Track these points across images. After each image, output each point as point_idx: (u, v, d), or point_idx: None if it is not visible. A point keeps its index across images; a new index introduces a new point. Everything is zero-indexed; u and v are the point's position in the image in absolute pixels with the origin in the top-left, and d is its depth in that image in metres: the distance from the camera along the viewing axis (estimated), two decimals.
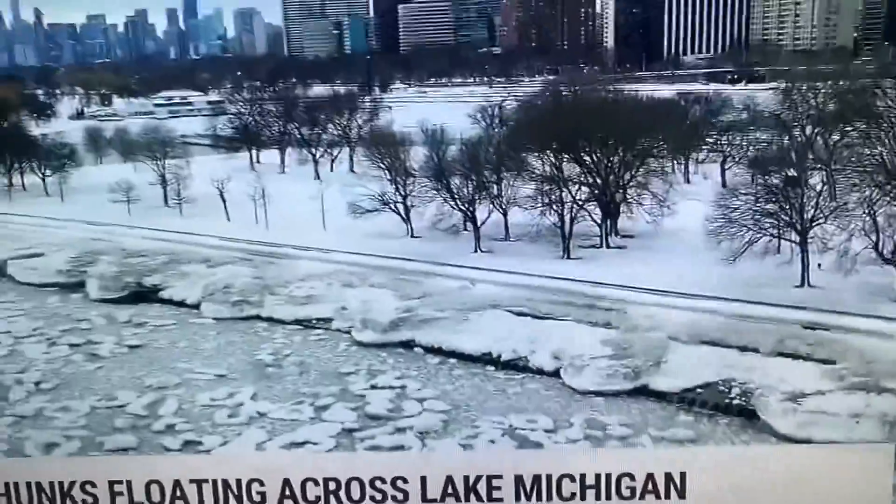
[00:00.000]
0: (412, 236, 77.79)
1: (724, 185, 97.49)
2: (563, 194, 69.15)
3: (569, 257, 68.89)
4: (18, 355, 57.36)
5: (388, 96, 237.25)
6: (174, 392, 50.04)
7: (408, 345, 55.76)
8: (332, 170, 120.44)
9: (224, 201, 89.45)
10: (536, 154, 77.77)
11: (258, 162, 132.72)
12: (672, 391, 47.77)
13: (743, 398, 45.95)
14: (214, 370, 53.38)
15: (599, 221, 71.56)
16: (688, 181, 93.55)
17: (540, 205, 70.50)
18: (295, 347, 57.04)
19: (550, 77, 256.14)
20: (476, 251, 71.68)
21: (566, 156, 73.08)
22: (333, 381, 51.14)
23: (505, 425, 44.66)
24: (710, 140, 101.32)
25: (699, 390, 47.38)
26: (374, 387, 49.98)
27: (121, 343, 58.93)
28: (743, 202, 61.70)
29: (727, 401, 46.21)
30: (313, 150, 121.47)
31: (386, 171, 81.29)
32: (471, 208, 72.54)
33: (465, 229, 75.61)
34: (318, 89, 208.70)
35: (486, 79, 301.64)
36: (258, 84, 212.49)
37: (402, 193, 78.03)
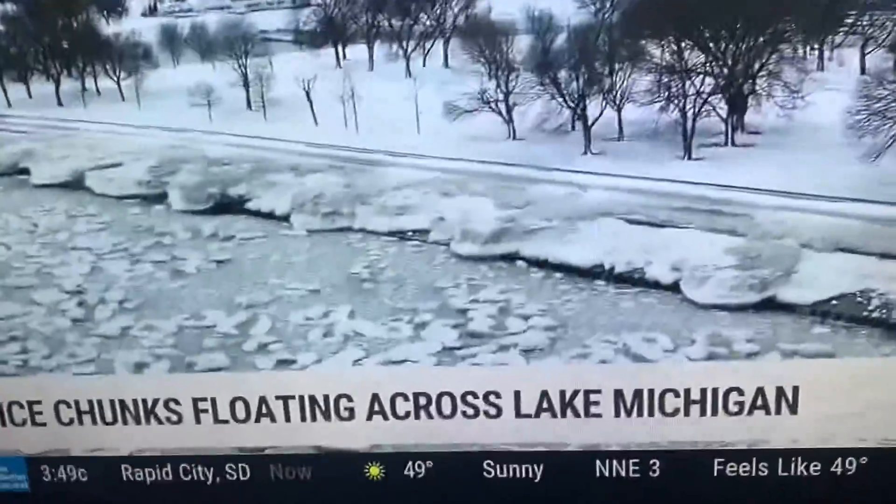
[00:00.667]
0: (515, 138, 76.44)
1: (863, 71, 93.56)
2: (686, 86, 67.13)
3: (690, 158, 67.28)
4: (101, 272, 59.37)
5: None
6: (266, 311, 51.24)
7: (510, 257, 56.24)
8: (424, 65, 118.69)
9: (311, 103, 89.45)
10: (655, 42, 75.59)
11: (345, 58, 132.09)
12: (803, 303, 47.25)
13: (883, 310, 44.99)
14: (307, 285, 54.45)
15: (725, 116, 69.68)
16: (822, 68, 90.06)
17: (658, 99, 68.83)
18: (390, 260, 58.02)
19: None
20: (586, 153, 70.50)
21: (688, 42, 70.86)
22: (432, 296, 51.68)
23: (618, 344, 44.84)
24: (849, 20, 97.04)
25: (833, 302, 46.54)
26: (475, 301, 50.38)
27: (208, 258, 60.28)
28: (889, 91, 59.17)
29: (865, 313, 45.32)
30: (404, 44, 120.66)
31: (485, 66, 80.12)
32: (580, 105, 71.33)
33: (574, 129, 74.34)
34: None
35: None
36: None
37: (504, 90, 76.41)
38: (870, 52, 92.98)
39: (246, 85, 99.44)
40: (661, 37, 76.32)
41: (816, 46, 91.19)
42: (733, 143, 70.61)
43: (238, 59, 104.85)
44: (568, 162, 68.49)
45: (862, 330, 44.30)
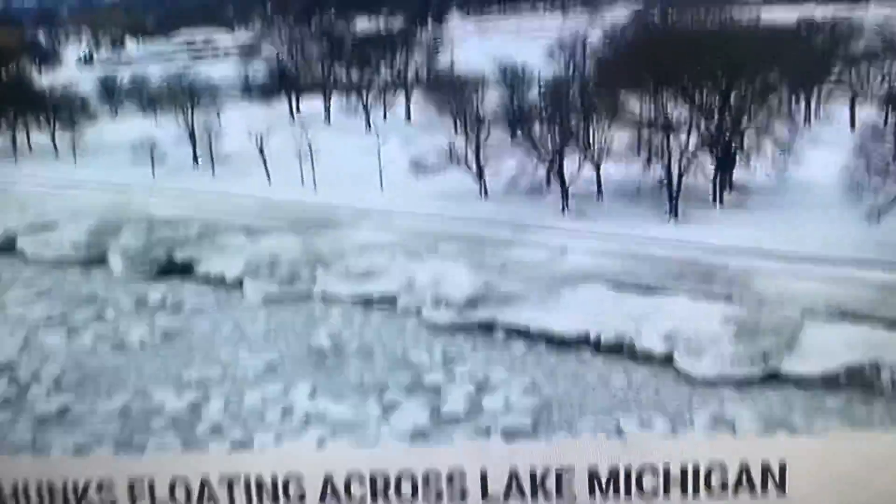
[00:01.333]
0: (486, 197, 77.22)
1: (853, 126, 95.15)
2: (669, 142, 67.52)
3: (677, 218, 67.58)
4: (36, 346, 57.80)
5: (444, 29, 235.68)
6: (219, 388, 49.92)
7: (488, 326, 55.26)
8: (385, 119, 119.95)
9: (264, 159, 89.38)
10: (633, 94, 76.20)
11: (298, 111, 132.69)
12: (809, 376, 46.52)
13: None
14: (264, 359, 53.27)
15: (711, 174, 69.89)
16: (809, 122, 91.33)
17: (640, 155, 69.20)
18: (355, 330, 56.92)
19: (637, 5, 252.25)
20: (564, 213, 70.82)
21: (670, 94, 71.35)
22: (402, 370, 50.68)
23: (610, 425, 43.79)
24: (836, 73, 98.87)
25: (841, 375, 46.04)
26: (450, 377, 49.38)
27: (154, 330, 59.06)
28: (891, 148, 59.74)
29: (877, 384, 45.08)
30: (364, 97, 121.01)
31: (454, 120, 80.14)
32: (556, 161, 71.28)
33: (550, 187, 74.57)
34: (365, 23, 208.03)
35: (559, 7, 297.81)
36: (292, 19, 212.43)
37: (474, 146, 77.22)
38: (859, 106, 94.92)
39: (192, 139, 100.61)
40: (639, 89, 77.40)
41: (803, 99, 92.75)
42: (721, 203, 71.06)
43: (183, 112, 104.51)
44: (545, 223, 68.80)
45: (876, 403, 43.58)
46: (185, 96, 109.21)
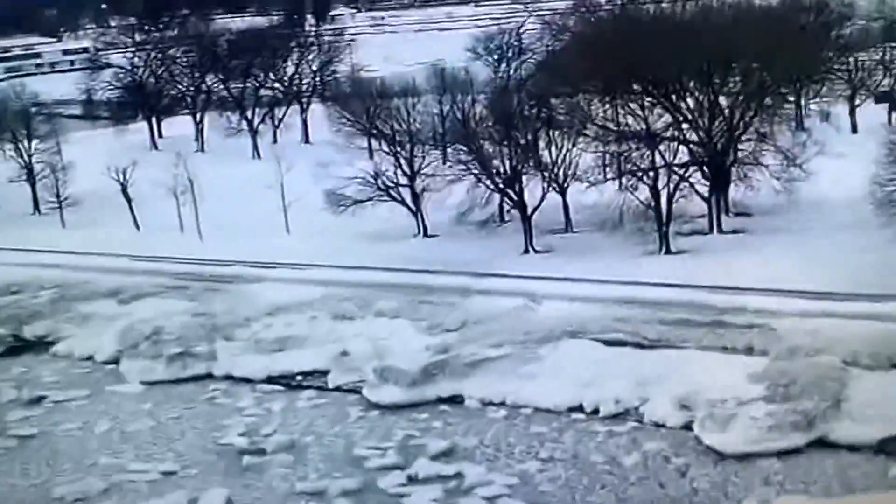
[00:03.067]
0: (426, 235, 76.55)
1: (854, 129, 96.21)
2: (653, 157, 67.88)
3: (668, 251, 67.25)
4: None
5: (330, 27, 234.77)
6: None
7: (453, 402, 54.26)
8: (275, 141, 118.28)
9: (129, 199, 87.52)
10: (596, 97, 75.82)
11: (160, 136, 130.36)
12: (864, 443, 45.73)
13: None
14: (158, 465, 51.03)
15: (706, 195, 69.57)
16: (801, 127, 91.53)
17: (612, 176, 68.97)
18: (278, 421, 54.77)
19: None
20: (528, 251, 70.20)
21: (649, 98, 70.87)
22: (349, 470, 48.85)
23: None
24: (829, 63, 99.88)
25: None
26: (411, 479, 47.50)
27: (4, 432, 56.41)
28: None
29: None
30: (247, 115, 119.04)
31: (368, 140, 79.64)
32: (514, 187, 70.75)
33: (504, 220, 73.91)
34: (235, 22, 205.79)
35: None
36: (135, 22, 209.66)
37: (408, 171, 76.69)
38: (859, 104, 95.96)
39: (31, 178, 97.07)
40: (604, 91, 76.46)
41: (792, 99, 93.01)
42: (720, 229, 70.65)
43: (16, 144, 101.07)
44: (506, 265, 67.59)
45: None
46: (15, 122, 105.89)
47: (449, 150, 76.22)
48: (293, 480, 48.52)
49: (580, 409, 51.47)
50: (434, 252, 72.39)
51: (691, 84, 70.79)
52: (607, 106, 74.24)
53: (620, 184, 71.35)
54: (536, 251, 69.86)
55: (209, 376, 60.92)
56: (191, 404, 58.11)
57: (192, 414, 56.91)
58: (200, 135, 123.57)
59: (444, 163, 78.29)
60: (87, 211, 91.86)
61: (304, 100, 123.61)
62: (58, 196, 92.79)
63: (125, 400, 59.57)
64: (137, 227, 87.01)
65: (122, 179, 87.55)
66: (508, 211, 72.73)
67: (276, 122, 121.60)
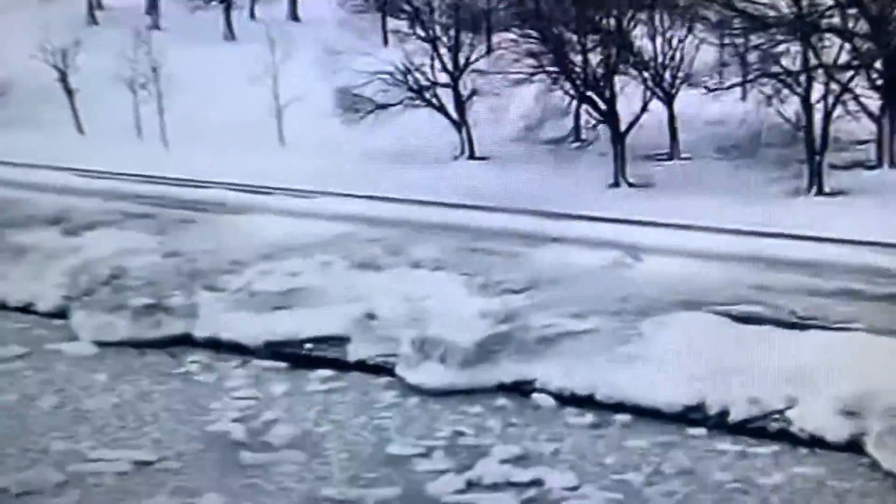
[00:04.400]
0: (473, 156, 75.39)
1: None
2: (804, 55, 66.53)
3: (821, 190, 66.09)
4: None
5: None
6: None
7: (519, 390, 52.50)
8: (253, 16, 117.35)
9: (70, 94, 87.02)
10: None
11: (100, 7, 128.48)
12: None
13: None
14: (128, 454, 49.45)
15: (876, 112, 68.29)
16: None
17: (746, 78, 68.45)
18: (283, 406, 53.25)
19: None
20: (618, 184, 69.10)
21: None
22: (382, 474, 47.41)
23: None
24: None
25: None
26: (470, 484, 46.01)
27: None
28: None
29: None
30: None
31: (413, 20, 79.02)
32: (605, 93, 69.23)
33: (581, 140, 72.57)
34: None
35: None
36: None
37: (451, 65, 75.18)
38: None
39: None
40: None
41: None
42: (893, 163, 69.25)
43: None
44: (589, 204, 66.55)
45: None
46: None
47: (508, 35, 74.78)
48: (312, 483, 47.34)
49: (700, 409, 49.66)
50: (486, 181, 71.43)
51: None
52: None
53: (744, 92, 71.23)
54: (630, 184, 68.97)
55: (188, 339, 60.00)
56: (164, 378, 56.89)
57: (166, 391, 55.64)
58: (154, 6, 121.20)
59: (487, 52, 77.83)
60: (12, 106, 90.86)
61: None
62: None
63: (76, 366, 58.53)
64: (81, 129, 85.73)
65: (60, 65, 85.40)
66: (593, 127, 71.36)
67: None
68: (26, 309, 64.45)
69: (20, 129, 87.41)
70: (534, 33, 72.28)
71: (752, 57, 69.89)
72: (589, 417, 50.36)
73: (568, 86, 70.96)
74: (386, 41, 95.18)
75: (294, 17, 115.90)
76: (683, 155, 71.77)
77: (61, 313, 62.92)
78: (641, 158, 70.72)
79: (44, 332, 62.22)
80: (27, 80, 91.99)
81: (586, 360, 52.62)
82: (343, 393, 54.46)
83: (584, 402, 51.16)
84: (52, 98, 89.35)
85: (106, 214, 72.06)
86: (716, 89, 70.27)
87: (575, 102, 71.99)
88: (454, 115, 75.69)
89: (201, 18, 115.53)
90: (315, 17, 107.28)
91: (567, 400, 51.56)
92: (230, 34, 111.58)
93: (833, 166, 67.47)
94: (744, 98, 71.65)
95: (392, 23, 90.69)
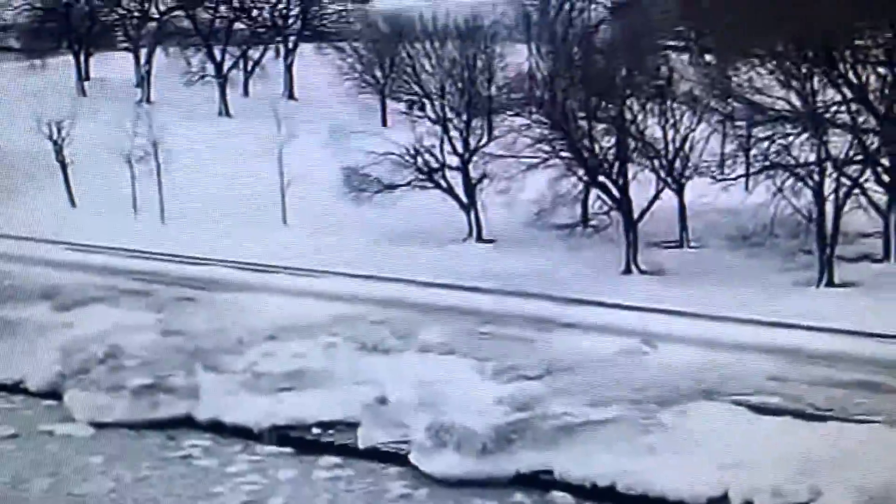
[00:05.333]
0: (481, 239, 75.04)
1: None
2: (820, 147, 66.27)
3: (831, 282, 65.84)
4: None
5: None
6: None
7: (537, 481, 51.55)
8: (247, 93, 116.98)
9: (64, 166, 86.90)
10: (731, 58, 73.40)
11: (85, 79, 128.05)
12: None
13: None
14: None
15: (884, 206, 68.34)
16: None
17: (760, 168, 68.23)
18: (286, 496, 52.42)
19: None
20: (630, 270, 68.95)
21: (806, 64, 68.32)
22: None
23: None
24: None
25: None
26: None
27: None
28: None
29: None
30: (218, 55, 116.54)
31: (412, 104, 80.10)
32: (619, 180, 69.43)
33: (588, 226, 72.92)
34: None
35: None
36: None
37: (461, 151, 75.23)
38: None
39: None
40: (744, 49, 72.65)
41: None
42: None
43: None
44: (602, 288, 66.26)
45: None
46: None
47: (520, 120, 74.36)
48: None
49: (724, 501, 49.08)
50: (494, 264, 70.95)
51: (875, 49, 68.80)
52: (743, 70, 71.49)
53: (747, 183, 71.51)
54: (642, 271, 68.61)
55: (188, 421, 58.91)
56: (160, 462, 55.81)
57: (168, 475, 54.51)
58: (146, 79, 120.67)
59: (489, 137, 77.22)
60: (0, 177, 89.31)
61: (297, 37, 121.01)
62: None
63: (68, 448, 57.40)
64: (73, 202, 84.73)
65: (55, 137, 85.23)
66: (606, 213, 71.04)
67: (249, 68, 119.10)
68: (17, 386, 63.53)
69: (8, 200, 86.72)
70: (545, 120, 72.08)
71: (761, 149, 69.46)
72: None
73: (581, 172, 70.82)
74: (385, 122, 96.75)
75: (290, 95, 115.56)
76: (693, 243, 71.58)
77: (53, 392, 61.95)
78: (650, 245, 70.51)
79: (34, 413, 61.36)
80: (16, 151, 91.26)
81: (607, 450, 51.89)
82: (350, 482, 53.64)
83: (605, 494, 50.40)
84: (42, 169, 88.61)
85: (99, 290, 71.21)
86: (722, 179, 70.22)
87: (583, 188, 71.91)
88: (463, 197, 75.39)
89: (193, 93, 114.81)
90: (310, 97, 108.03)
91: (587, 493, 50.78)
92: (225, 110, 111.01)
93: (840, 258, 67.29)
94: (747, 188, 71.86)
95: (396, 105, 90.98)
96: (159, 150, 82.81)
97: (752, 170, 70.44)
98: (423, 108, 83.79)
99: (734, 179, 70.78)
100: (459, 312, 65.39)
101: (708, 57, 78.12)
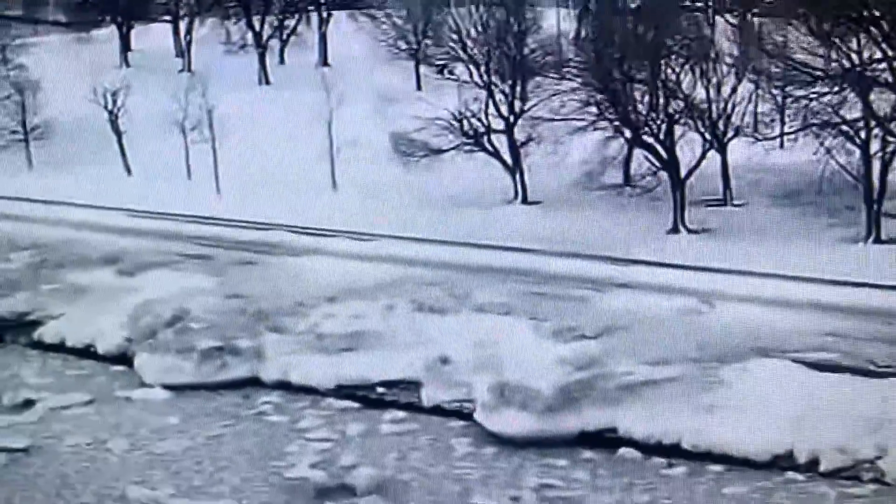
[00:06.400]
0: (526, 201, 73.45)
1: None
2: (866, 106, 64.26)
3: (878, 238, 64.11)
4: None
5: None
6: None
7: (602, 439, 49.91)
8: (282, 62, 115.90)
9: (119, 135, 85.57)
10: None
11: (128, 49, 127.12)
12: None
13: None
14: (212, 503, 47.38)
15: None
16: None
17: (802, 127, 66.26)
18: (357, 452, 50.68)
19: None
20: (678, 229, 67.11)
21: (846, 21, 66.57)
22: None
23: None
24: None
25: None
26: None
27: None
28: None
29: None
30: (254, 24, 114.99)
31: (469, 65, 77.21)
32: (666, 138, 67.65)
33: (631, 185, 71.15)
34: None
35: None
36: None
37: (506, 115, 73.55)
38: None
39: None
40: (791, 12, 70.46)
41: None
42: None
43: None
44: (651, 247, 64.97)
45: None
46: None
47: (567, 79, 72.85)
48: None
49: (789, 458, 47.21)
50: (542, 225, 69.56)
51: None
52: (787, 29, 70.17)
53: (781, 142, 70.19)
54: (690, 230, 66.90)
55: (255, 382, 57.49)
56: (235, 420, 54.40)
57: (238, 433, 53.12)
58: (186, 50, 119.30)
59: (517, 100, 75.34)
60: (57, 146, 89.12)
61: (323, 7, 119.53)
62: (24, 125, 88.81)
63: (144, 409, 55.98)
64: (129, 170, 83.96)
65: (111, 106, 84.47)
66: (653, 174, 69.62)
67: (285, 36, 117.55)
68: (86, 349, 62.21)
69: (66, 170, 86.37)
70: (596, 84, 70.54)
71: (801, 107, 67.88)
72: (681, 468, 48.04)
73: (628, 133, 69.49)
74: (419, 86, 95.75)
75: (324, 62, 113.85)
76: (736, 201, 70.09)
77: (122, 355, 60.76)
78: (693, 204, 68.89)
79: (104, 376, 60.18)
80: (69, 121, 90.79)
81: (669, 408, 50.25)
82: (418, 436, 52.13)
83: (670, 451, 48.78)
84: (96, 138, 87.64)
85: (161, 255, 70.27)
86: (765, 139, 69.05)
87: (626, 149, 70.66)
88: (508, 160, 73.92)
89: (230, 62, 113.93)
90: (342, 64, 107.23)
91: (652, 449, 49.09)
92: (265, 78, 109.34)
93: (886, 214, 65.60)
94: (781, 146, 70.87)
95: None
96: (210, 119, 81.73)
97: (795, 128, 68.72)
98: (452, 73, 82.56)
99: (774, 139, 69.73)
100: (511, 273, 63.93)
101: (748, 17, 75.91)
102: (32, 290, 66.90)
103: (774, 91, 69.36)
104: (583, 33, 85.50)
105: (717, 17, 78.84)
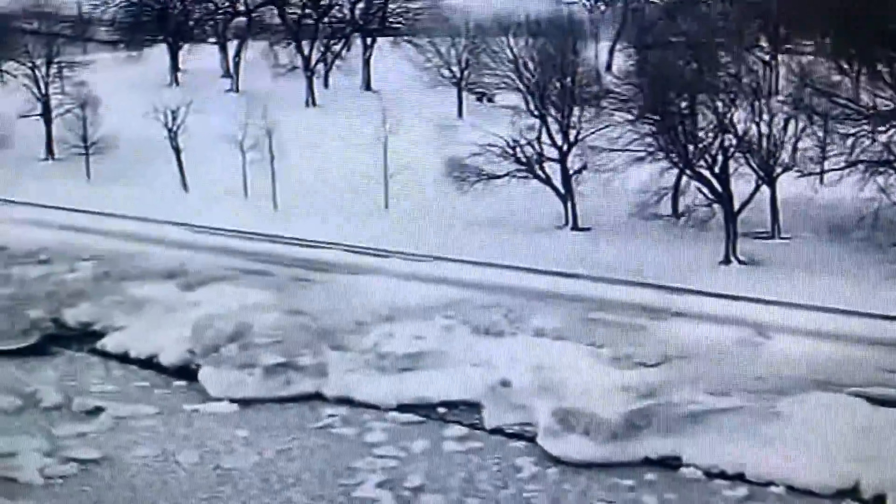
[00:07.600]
0: (576, 227, 71.48)
1: None
2: None
3: None
4: None
5: None
6: None
7: (665, 467, 48.31)
8: (327, 85, 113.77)
9: (178, 152, 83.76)
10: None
11: (177, 69, 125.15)
12: None
13: None
14: None
15: None
16: None
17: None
18: (422, 471, 49.06)
19: None
20: (729, 260, 65.21)
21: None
22: None
23: None
24: None
25: None
26: None
27: (58, 453, 50.64)
28: None
29: None
30: (303, 47, 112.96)
31: (524, 93, 74.93)
32: (721, 174, 65.67)
33: (678, 216, 69.21)
34: None
35: None
36: None
37: (560, 142, 71.73)
38: None
39: (47, 114, 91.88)
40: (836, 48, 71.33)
41: None
42: None
43: (32, 67, 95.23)
44: (703, 277, 63.12)
45: None
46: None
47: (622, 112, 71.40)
48: None
49: (854, 493, 45.47)
50: (594, 252, 67.73)
51: None
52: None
53: (821, 178, 68.24)
54: (741, 261, 65.07)
55: (318, 397, 55.96)
56: (300, 434, 52.72)
57: (305, 447, 51.43)
58: (235, 71, 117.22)
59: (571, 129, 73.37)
60: (115, 161, 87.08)
61: (375, 30, 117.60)
62: (84, 139, 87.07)
63: (212, 422, 54.26)
64: (185, 186, 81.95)
65: (170, 124, 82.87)
66: (708, 206, 67.92)
67: (329, 61, 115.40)
68: (149, 360, 60.55)
69: (124, 184, 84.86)
70: (653, 118, 69.01)
71: (847, 145, 66.36)
72: (742, 490, 46.57)
73: (683, 166, 68.07)
74: (461, 113, 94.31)
75: (367, 87, 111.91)
76: (784, 234, 68.39)
77: (184, 367, 59.24)
78: (741, 236, 66.95)
79: (166, 389, 58.61)
80: (127, 136, 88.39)
81: (731, 439, 48.80)
82: (481, 457, 50.27)
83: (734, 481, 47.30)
84: (153, 154, 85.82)
85: (221, 270, 68.74)
86: (808, 174, 67.62)
87: (675, 181, 69.34)
88: (560, 187, 72.26)
89: (277, 85, 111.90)
90: (385, 88, 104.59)
91: (715, 476, 47.68)
92: (312, 100, 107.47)
93: None
94: (821, 181, 68.92)
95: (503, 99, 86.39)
96: (270, 139, 79.88)
97: (846, 165, 66.63)
98: (491, 100, 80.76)
99: (817, 174, 68.27)
100: (565, 298, 62.17)
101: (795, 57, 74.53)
102: (96, 301, 65.49)
103: (821, 128, 67.95)
104: (640, 67, 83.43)
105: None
